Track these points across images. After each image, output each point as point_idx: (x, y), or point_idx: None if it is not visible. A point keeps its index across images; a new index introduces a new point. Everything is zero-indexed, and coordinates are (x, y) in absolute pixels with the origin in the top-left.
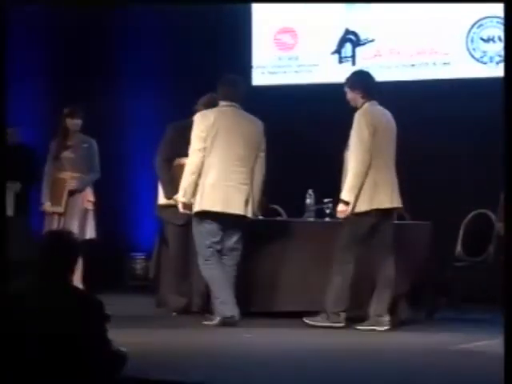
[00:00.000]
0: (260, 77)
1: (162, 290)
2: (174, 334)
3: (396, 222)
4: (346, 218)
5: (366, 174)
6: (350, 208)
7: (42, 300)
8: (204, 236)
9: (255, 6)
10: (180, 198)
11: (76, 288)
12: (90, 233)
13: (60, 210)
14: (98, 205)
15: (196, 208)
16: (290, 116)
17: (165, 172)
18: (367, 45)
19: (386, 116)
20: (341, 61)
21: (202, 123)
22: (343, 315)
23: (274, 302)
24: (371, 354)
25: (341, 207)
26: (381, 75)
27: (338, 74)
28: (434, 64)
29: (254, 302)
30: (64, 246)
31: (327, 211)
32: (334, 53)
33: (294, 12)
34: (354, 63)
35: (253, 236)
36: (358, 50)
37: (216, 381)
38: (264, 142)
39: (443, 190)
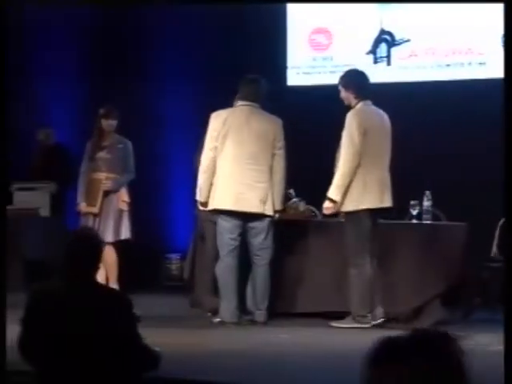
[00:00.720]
0: (295, 77)
1: (197, 290)
2: (208, 335)
3: (431, 222)
4: (347, 221)
5: (353, 174)
6: (337, 206)
7: (71, 300)
8: (222, 233)
9: (290, 7)
10: (197, 196)
11: (104, 286)
12: (125, 233)
13: (95, 210)
14: (133, 206)
15: (209, 206)
16: (324, 116)
17: None
18: (402, 45)
19: (379, 116)
20: (376, 61)
21: (215, 122)
22: (369, 316)
23: (308, 303)
24: None
25: (327, 204)
26: (416, 75)
27: (373, 74)
28: (470, 64)
29: (291, 302)
30: (86, 245)
31: None
32: (368, 53)
33: (328, 12)
34: (389, 63)
35: (286, 237)
36: (394, 50)
37: (248, 381)
38: (281, 139)
39: (480, 189)
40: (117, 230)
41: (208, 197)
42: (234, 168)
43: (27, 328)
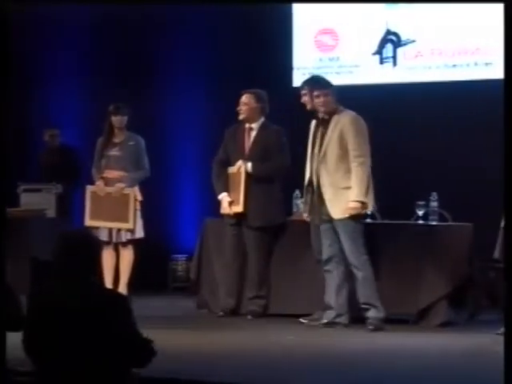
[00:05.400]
0: (301, 78)
1: (203, 291)
2: (215, 335)
3: (438, 223)
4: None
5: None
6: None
7: (66, 300)
8: (363, 235)
9: (296, 7)
10: (363, 198)
11: (99, 286)
12: (139, 232)
13: (129, 226)
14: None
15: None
16: None
17: None
18: (408, 45)
19: None
20: (382, 61)
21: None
22: None
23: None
24: (410, 355)
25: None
26: (423, 76)
27: (379, 74)
28: (476, 64)
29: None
30: (80, 245)
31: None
32: (375, 53)
33: (334, 13)
34: (395, 64)
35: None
36: (400, 50)
37: (255, 382)
38: None
39: (486, 190)
40: (132, 229)
41: None
42: None
43: (28, 328)
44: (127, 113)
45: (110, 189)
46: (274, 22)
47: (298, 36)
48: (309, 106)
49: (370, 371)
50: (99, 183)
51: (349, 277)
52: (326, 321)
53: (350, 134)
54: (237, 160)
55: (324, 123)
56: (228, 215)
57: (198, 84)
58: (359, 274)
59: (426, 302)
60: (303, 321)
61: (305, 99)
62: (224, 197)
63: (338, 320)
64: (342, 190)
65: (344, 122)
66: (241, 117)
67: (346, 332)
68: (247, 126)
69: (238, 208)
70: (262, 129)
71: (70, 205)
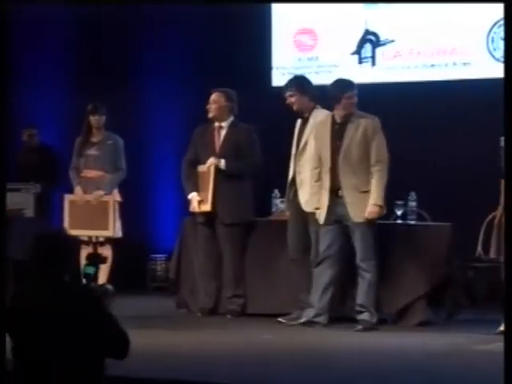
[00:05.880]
0: (280, 78)
1: (182, 290)
2: (195, 335)
3: (416, 222)
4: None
5: None
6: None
7: (40, 301)
8: (375, 240)
9: (275, 7)
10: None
11: (74, 285)
12: (117, 232)
13: (109, 234)
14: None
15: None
16: None
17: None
18: (387, 45)
19: None
20: (361, 61)
21: None
22: None
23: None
24: (390, 354)
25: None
26: (401, 76)
27: (357, 74)
28: (454, 64)
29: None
30: (53, 245)
31: None
32: (353, 53)
33: (313, 13)
34: (373, 64)
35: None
36: (378, 50)
37: (235, 381)
38: None
39: (465, 190)
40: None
41: None
42: None
43: (8, 330)
44: (105, 112)
45: (88, 197)
46: (253, 22)
47: (277, 36)
48: (295, 107)
49: (350, 370)
50: (77, 190)
51: (337, 280)
52: (304, 319)
53: (375, 137)
54: (207, 159)
55: (342, 125)
56: (198, 214)
57: (177, 84)
58: (367, 277)
59: (404, 301)
60: (282, 320)
61: (291, 100)
62: (193, 196)
63: (316, 319)
64: (362, 193)
65: (367, 126)
66: (210, 115)
67: (326, 331)
68: (217, 124)
69: (206, 207)
70: (231, 127)
71: (49, 205)
